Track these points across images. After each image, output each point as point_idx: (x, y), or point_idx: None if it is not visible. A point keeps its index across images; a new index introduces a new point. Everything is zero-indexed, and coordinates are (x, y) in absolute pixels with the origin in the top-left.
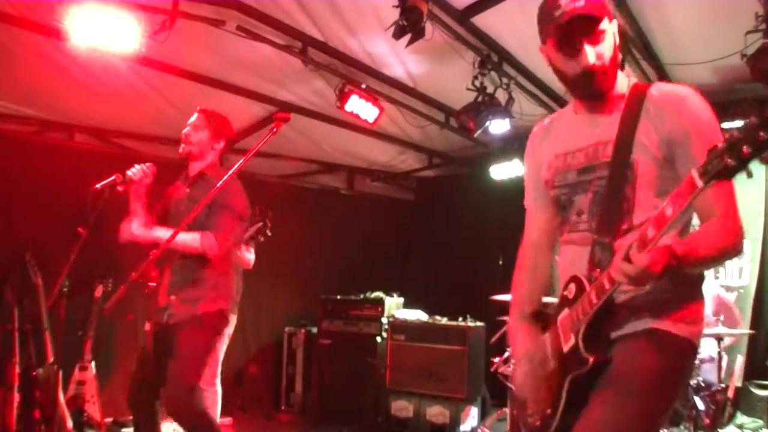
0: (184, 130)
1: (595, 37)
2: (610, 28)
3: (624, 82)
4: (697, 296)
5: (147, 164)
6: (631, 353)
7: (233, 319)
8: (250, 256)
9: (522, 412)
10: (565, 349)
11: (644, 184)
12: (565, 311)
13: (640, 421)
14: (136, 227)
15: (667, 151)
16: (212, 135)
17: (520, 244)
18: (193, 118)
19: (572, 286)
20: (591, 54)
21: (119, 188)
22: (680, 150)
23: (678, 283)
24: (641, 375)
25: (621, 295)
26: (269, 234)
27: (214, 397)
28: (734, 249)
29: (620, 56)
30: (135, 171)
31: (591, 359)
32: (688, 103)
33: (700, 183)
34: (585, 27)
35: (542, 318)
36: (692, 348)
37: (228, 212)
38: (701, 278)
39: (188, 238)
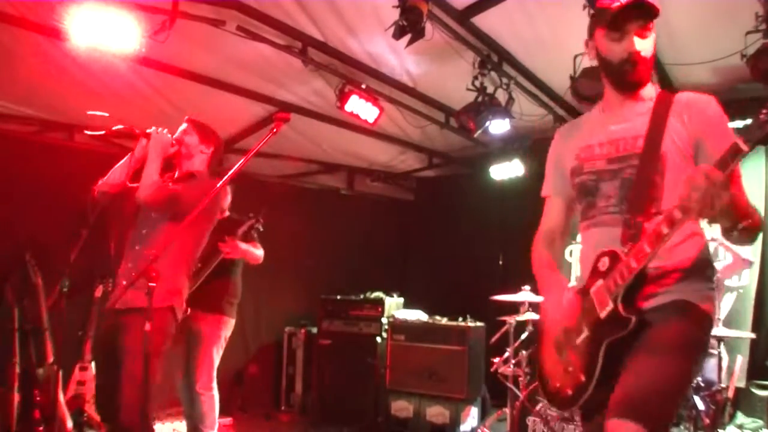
0: (174, 135)
1: (644, 31)
2: (653, 35)
3: (652, 89)
4: (712, 286)
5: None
6: (663, 319)
7: (231, 323)
8: (259, 252)
9: (548, 390)
10: (603, 315)
11: (671, 175)
12: (599, 282)
13: (676, 376)
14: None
15: (692, 148)
16: (201, 139)
17: (536, 234)
18: (182, 127)
19: (606, 259)
20: (638, 42)
21: (136, 131)
22: (702, 149)
23: (699, 267)
24: (674, 336)
25: (651, 271)
26: (261, 229)
27: (211, 401)
28: (757, 232)
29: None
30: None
31: (633, 318)
32: (712, 109)
33: (745, 148)
34: (638, 19)
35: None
36: (710, 321)
37: (191, 187)
38: (714, 275)
39: (152, 175)
